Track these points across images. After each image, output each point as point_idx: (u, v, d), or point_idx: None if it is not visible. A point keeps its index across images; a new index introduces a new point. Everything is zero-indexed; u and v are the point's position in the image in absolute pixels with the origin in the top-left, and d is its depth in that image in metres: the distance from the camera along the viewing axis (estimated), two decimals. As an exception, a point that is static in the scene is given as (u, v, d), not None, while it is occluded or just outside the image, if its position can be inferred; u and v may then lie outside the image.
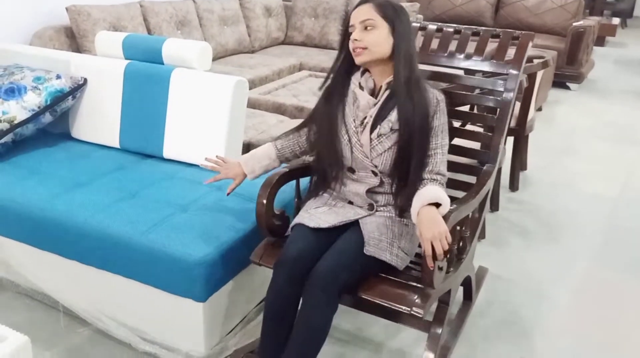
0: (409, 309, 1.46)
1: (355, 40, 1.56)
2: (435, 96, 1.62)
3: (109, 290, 1.88)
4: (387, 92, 1.60)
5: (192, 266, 1.65)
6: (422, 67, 1.69)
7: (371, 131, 1.59)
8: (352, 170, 1.66)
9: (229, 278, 1.80)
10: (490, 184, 1.80)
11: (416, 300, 1.47)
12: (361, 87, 1.64)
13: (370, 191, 1.64)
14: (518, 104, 3.03)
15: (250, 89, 3.60)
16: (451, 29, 2.01)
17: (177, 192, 1.98)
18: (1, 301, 2.09)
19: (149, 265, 1.73)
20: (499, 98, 1.87)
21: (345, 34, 1.62)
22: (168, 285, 1.73)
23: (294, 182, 1.81)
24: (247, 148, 2.61)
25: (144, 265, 1.74)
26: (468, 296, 2.10)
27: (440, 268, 1.48)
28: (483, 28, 2.00)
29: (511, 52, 1.89)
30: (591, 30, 5.51)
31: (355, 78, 1.66)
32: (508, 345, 1.99)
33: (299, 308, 1.52)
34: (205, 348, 1.80)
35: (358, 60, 1.59)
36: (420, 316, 1.44)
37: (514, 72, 1.87)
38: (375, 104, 1.60)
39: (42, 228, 1.91)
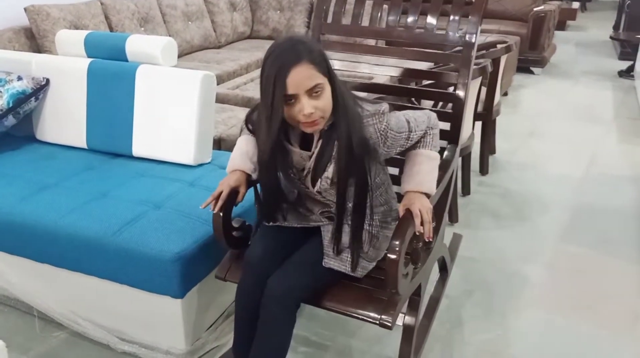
0: (377, 317, 1.43)
1: (311, 113, 1.31)
2: (377, 128, 1.42)
3: (84, 292, 1.85)
4: (321, 141, 1.43)
5: (168, 263, 1.64)
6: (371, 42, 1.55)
7: (313, 183, 1.48)
8: (302, 198, 1.60)
9: (206, 273, 1.79)
10: (454, 165, 1.79)
11: (384, 308, 1.43)
12: (290, 141, 1.46)
13: (325, 210, 1.59)
14: (484, 90, 3.08)
15: (218, 84, 3.58)
16: None
17: (149, 190, 1.96)
18: (-28, 310, 2.05)
19: (123, 264, 1.71)
20: (461, 41, 1.81)
21: (279, 101, 1.31)
22: (144, 283, 1.72)
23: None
24: (218, 143, 2.60)
25: (118, 264, 1.72)
26: (443, 268, 2.13)
27: (406, 275, 1.45)
28: None
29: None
30: (552, 14, 5.62)
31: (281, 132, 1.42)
32: (483, 324, 2.03)
33: (258, 322, 1.46)
34: (186, 345, 1.79)
35: (312, 130, 1.38)
36: (390, 325, 1.41)
37: (474, 18, 1.80)
38: (310, 157, 1.45)
39: (10, 233, 1.87)
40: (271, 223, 1.60)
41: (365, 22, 2.02)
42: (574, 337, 1.99)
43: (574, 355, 1.90)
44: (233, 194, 1.55)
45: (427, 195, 1.49)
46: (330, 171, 1.43)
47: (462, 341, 1.95)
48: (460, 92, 1.83)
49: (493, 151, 3.56)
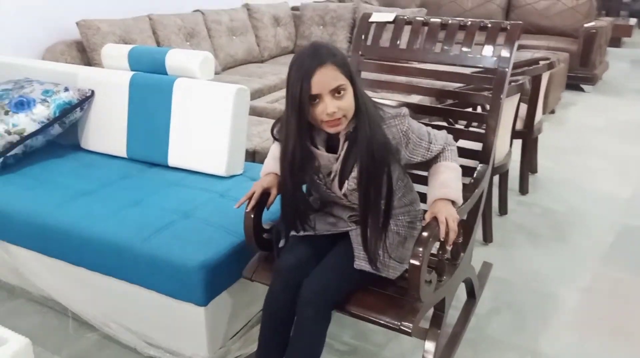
0: (398, 324, 1.44)
1: (334, 112, 1.38)
2: (399, 129, 1.48)
3: (115, 295, 1.92)
4: (347, 143, 1.48)
5: (192, 271, 1.68)
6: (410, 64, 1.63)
7: (340, 185, 1.53)
8: (327, 206, 1.65)
9: (230, 283, 1.82)
10: (484, 185, 1.78)
11: (405, 315, 1.45)
12: (316, 146, 1.51)
13: (353, 214, 1.62)
14: (524, 107, 3.01)
15: (259, 97, 3.66)
16: (438, 21, 1.96)
17: (181, 199, 2.02)
18: (13, 308, 2.15)
19: (151, 271, 1.76)
20: (495, 70, 1.82)
21: (304, 102, 1.37)
22: (170, 290, 1.76)
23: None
24: (253, 155, 2.64)
25: (146, 270, 1.77)
26: (471, 295, 2.09)
27: (429, 282, 1.45)
28: (470, 19, 1.93)
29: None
30: (603, 31, 5.45)
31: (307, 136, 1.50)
32: (514, 348, 1.97)
33: (294, 324, 1.52)
34: (209, 352, 1.82)
35: (335, 130, 1.44)
36: (409, 331, 1.42)
37: (506, 53, 1.80)
38: (337, 159, 1.50)
39: (50, 236, 1.96)
40: (301, 233, 1.63)
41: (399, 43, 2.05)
42: (608, 365, 1.90)
43: (606, 385, 1.82)
44: (265, 196, 1.61)
45: (454, 203, 1.51)
46: (357, 171, 1.47)
47: (489, 364, 1.90)
48: (493, 113, 1.82)
49: (534, 170, 3.47)
